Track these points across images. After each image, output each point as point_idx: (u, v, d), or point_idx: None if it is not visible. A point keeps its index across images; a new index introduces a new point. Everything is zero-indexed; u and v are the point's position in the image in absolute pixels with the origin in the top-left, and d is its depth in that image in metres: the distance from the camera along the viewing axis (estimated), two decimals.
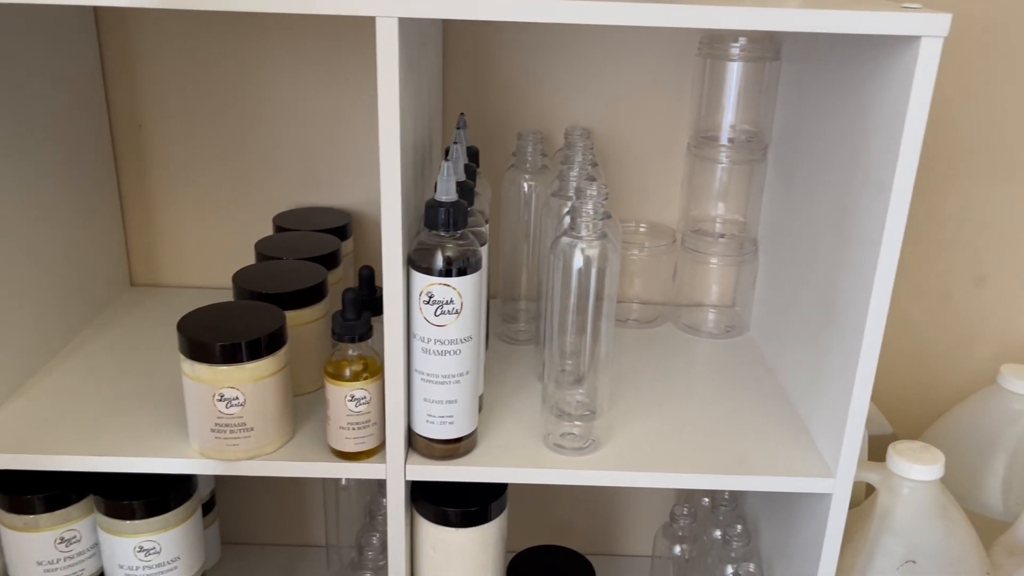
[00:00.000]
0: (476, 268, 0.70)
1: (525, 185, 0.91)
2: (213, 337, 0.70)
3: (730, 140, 0.95)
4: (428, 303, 0.69)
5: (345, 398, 0.72)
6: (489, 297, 0.92)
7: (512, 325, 0.98)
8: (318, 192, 1.03)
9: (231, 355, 0.70)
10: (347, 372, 0.72)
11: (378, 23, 0.61)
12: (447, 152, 0.74)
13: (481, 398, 0.83)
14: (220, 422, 0.72)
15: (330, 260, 0.89)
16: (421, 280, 0.69)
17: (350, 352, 0.72)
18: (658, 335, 1.00)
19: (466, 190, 0.74)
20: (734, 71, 0.93)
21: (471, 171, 0.80)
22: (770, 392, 0.89)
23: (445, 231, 0.69)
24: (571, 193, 0.81)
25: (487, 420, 0.81)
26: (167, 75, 0.99)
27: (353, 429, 0.73)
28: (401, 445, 0.73)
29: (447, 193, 0.69)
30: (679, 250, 1.01)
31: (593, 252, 0.71)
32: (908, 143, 0.63)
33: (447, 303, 0.69)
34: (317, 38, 0.96)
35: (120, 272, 1.05)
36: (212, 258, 1.06)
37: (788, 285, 0.89)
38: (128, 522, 0.79)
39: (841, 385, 0.73)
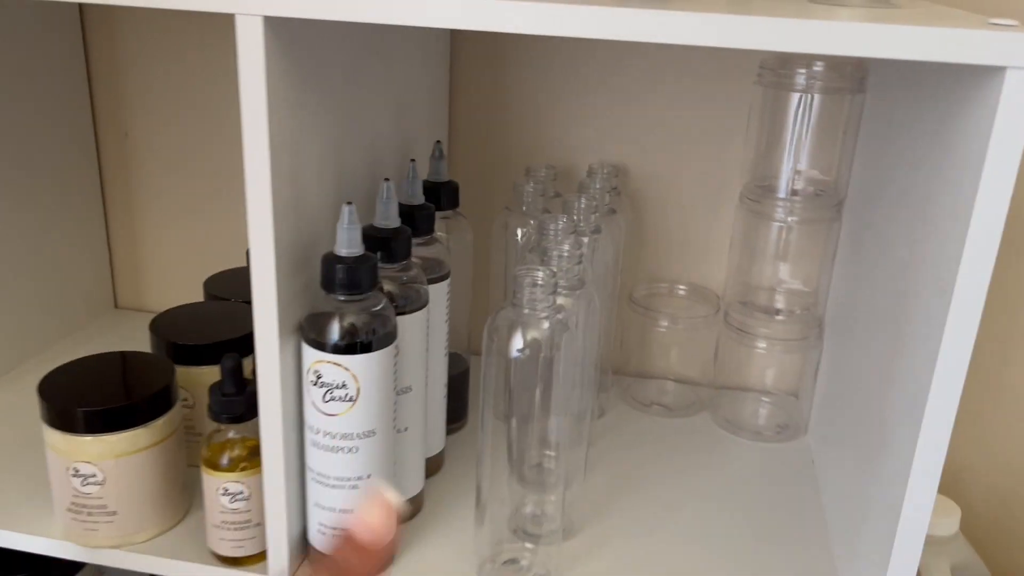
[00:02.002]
0: (385, 343, 0.54)
1: (519, 231, 0.74)
2: (70, 400, 0.58)
3: (794, 192, 0.75)
4: (316, 384, 0.54)
5: (218, 491, 0.57)
6: (471, 361, 0.76)
7: None
8: None
9: (88, 423, 0.57)
10: (224, 459, 0.57)
11: (238, 21, 0.46)
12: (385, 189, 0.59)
13: (422, 495, 0.66)
14: (77, 501, 0.59)
15: None
16: (310, 355, 0.54)
17: (230, 434, 0.58)
18: (687, 428, 0.80)
19: (401, 237, 0.59)
20: (803, 104, 0.73)
21: (427, 212, 0.64)
22: (810, 524, 0.67)
23: (345, 294, 0.53)
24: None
25: (423, 527, 0.64)
26: (156, 78, 0.88)
27: (229, 529, 0.58)
28: (284, 557, 0.57)
29: (348, 246, 0.53)
30: (722, 324, 0.80)
31: (538, 334, 0.54)
32: (984, 209, 0.42)
33: (338, 387, 0.53)
34: None
35: (103, 293, 0.96)
36: (202, 281, 0.95)
37: (850, 382, 0.68)
38: None
39: (886, 526, 0.52)
